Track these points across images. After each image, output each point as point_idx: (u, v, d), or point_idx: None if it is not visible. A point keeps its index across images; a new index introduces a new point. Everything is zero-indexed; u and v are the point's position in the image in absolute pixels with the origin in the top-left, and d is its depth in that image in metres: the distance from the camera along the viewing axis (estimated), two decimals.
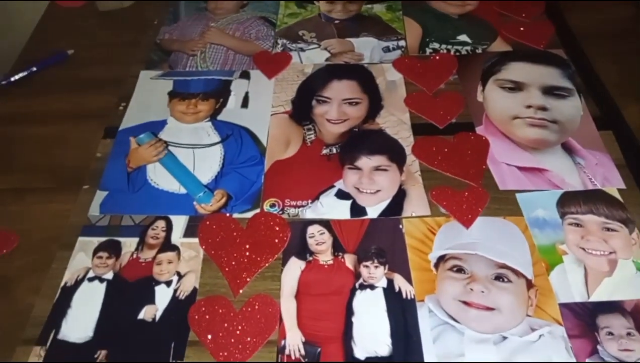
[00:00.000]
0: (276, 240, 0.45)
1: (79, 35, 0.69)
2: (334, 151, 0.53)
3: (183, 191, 0.50)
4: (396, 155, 0.52)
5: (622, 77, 0.58)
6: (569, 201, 0.47)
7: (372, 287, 0.42)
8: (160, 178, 0.51)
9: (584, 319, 0.39)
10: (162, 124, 0.56)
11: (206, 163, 0.52)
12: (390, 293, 0.42)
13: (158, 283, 0.43)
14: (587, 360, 0.37)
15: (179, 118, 0.57)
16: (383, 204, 0.48)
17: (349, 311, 0.41)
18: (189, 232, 0.46)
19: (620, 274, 0.42)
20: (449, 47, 0.64)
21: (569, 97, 0.56)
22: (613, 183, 0.48)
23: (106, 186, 0.50)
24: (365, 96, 0.58)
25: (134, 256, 0.45)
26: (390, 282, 0.43)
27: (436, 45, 0.64)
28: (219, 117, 0.56)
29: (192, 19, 0.70)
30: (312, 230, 0.46)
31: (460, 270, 0.43)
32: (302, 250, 0.45)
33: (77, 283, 0.43)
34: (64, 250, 0.45)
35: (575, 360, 0.37)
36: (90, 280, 0.43)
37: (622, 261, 0.43)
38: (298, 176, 0.51)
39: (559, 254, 0.43)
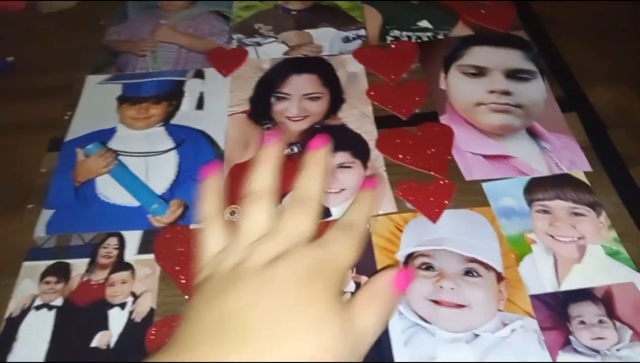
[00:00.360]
0: None
1: (20, 40, 0.65)
2: (296, 150, 0.51)
3: (136, 203, 0.47)
4: (360, 151, 0.50)
5: (585, 57, 0.57)
6: (535, 188, 0.46)
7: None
8: (110, 191, 0.48)
9: (556, 309, 0.39)
10: (112, 132, 0.53)
11: (160, 172, 0.49)
12: None
13: (111, 306, 0.40)
14: (559, 352, 0.36)
15: (129, 125, 0.54)
16: (348, 204, 0.46)
17: None
18: (143, 248, 0.44)
19: (589, 260, 0.41)
20: (410, 34, 0.62)
21: (532, 79, 0.55)
22: (579, 166, 0.47)
23: (52, 203, 0.47)
24: (326, 90, 0.56)
25: (85, 278, 0.42)
26: (358, 286, 0.41)
27: (397, 32, 0.62)
28: (173, 121, 0.54)
29: (141, 17, 0.67)
30: None
31: (429, 267, 0.41)
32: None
33: (24, 312, 0.40)
34: (8, 277, 0.42)
35: (548, 353, 0.36)
36: (38, 308, 0.40)
37: (591, 246, 0.42)
38: None
39: (527, 243, 0.42)
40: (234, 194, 0.47)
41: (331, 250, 0.28)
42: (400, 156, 0.49)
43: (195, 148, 0.51)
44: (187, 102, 0.55)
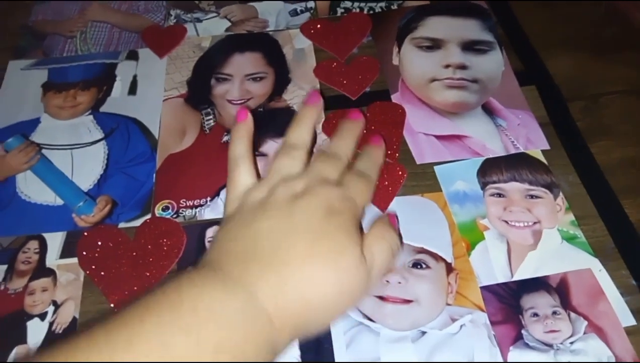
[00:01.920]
0: (167, 250, 0.39)
1: None
2: None
3: (60, 202, 0.43)
4: None
5: (545, 26, 0.54)
6: (490, 169, 0.43)
7: None
8: (32, 189, 0.44)
9: (508, 301, 0.36)
10: (35, 123, 0.48)
11: (87, 166, 0.45)
12: None
13: (30, 317, 0.37)
14: (510, 348, 0.34)
15: (55, 114, 0.49)
16: None
17: None
18: (66, 251, 0.40)
19: (545, 246, 0.39)
20: (362, 4, 0.57)
21: (489, 51, 0.51)
22: (537, 145, 0.44)
23: None
24: (271, 69, 0.52)
25: (2, 287, 0.38)
26: None
27: (348, 4, 0.58)
28: (102, 109, 0.49)
29: None
30: (212, 232, 0.41)
31: None
32: (200, 257, 0.39)
33: None
34: None
35: (498, 350, 0.34)
36: None
37: (547, 231, 0.39)
38: (195, 170, 0.45)
39: (480, 230, 0.40)
40: (167, 187, 0.44)
41: (350, 191, 0.32)
42: None
43: (126, 138, 0.47)
44: (119, 87, 0.51)
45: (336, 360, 0.34)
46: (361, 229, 0.32)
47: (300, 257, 0.28)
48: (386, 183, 0.42)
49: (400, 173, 0.43)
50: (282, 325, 0.26)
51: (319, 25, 0.55)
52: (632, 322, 0.35)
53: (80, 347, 0.22)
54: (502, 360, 0.34)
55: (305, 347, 0.35)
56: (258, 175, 0.35)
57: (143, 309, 0.24)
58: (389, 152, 0.44)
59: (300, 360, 0.35)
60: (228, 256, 0.28)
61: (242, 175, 0.34)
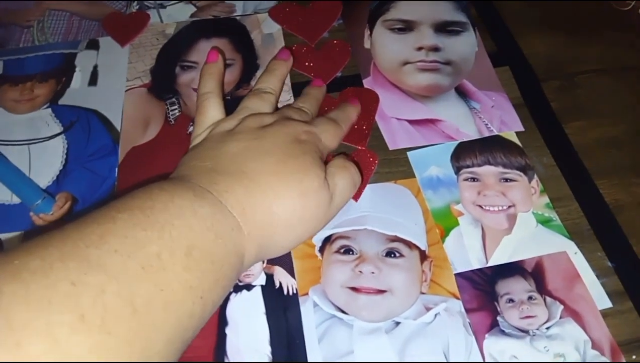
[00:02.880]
0: None
1: None
2: None
3: (17, 200, 0.41)
4: None
5: (519, 5, 0.52)
6: (464, 153, 0.42)
7: (248, 287, 0.36)
8: None
9: (483, 288, 0.35)
10: None
11: (45, 161, 0.43)
12: (270, 291, 0.36)
13: None
14: (486, 336, 0.33)
15: (11, 108, 0.46)
16: None
17: (222, 322, 0.35)
18: None
19: (520, 230, 0.38)
20: None
21: (463, 32, 0.50)
22: (511, 127, 0.43)
23: None
24: (239, 56, 0.50)
25: None
26: (269, 278, 0.37)
27: None
28: (61, 101, 0.47)
29: None
30: None
31: (348, 250, 0.37)
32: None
33: None
34: None
35: (473, 338, 0.33)
36: None
37: (522, 214, 0.39)
38: (160, 163, 0.43)
39: (454, 216, 0.39)
40: (130, 181, 0.42)
41: (317, 128, 0.34)
42: None
43: (87, 131, 0.45)
44: (79, 78, 0.48)
45: (308, 355, 0.33)
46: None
47: (267, 173, 0.29)
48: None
49: (371, 159, 0.41)
50: (249, 231, 0.28)
51: (288, 9, 0.53)
52: (608, 304, 0.34)
53: (54, 243, 0.22)
54: (477, 348, 0.33)
55: (275, 342, 0.34)
56: (226, 114, 0.36)
57: (114, 210, 0.24)
58: (360, 139, 0.42)
59: (271, 357, 0.33)
60: (197, 172, 0.29)
61: (211, 109, 0.35)
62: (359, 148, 0.42)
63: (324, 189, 0.31)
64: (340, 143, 0.42)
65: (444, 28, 0.50)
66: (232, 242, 0.27)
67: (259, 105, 0.36)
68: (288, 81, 0.47)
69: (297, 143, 0.31)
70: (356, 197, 0.39)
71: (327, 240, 0.38)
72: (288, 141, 0.31)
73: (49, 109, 0.46)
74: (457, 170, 0.41)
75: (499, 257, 0.37)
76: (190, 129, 0.45)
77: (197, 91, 0.37)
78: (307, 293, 0.36)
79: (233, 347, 0.34)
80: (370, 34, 0.51)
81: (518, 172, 0.40)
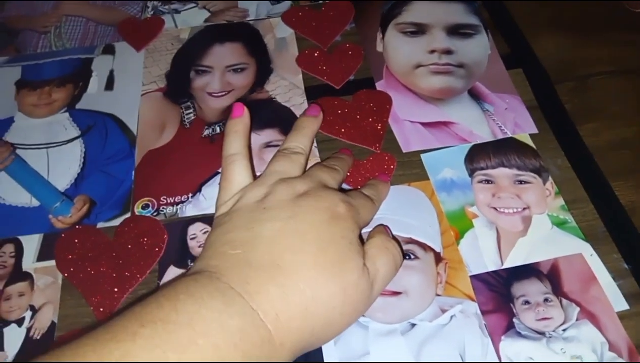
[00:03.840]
0: (148, 249, 0.38)
1: None
2: (218, 130, 0.46)
3: (36, 203, 0.41)
4: (288, 127, 0.44)
5: (531, 7, 0.52)
6: (478, 156, 0.42)
7: None
8: (6, 190, 0.42)
9: (498, 290, 0.35)
10: (9, 122, 0.47)
11: (63, 165, 0.43)
12: None
13: (7, 323, 0.36)
14: (502, 338, 0.33)
15: (29, 113, 0.47)
16: None
17: None
18: (44, 254, 0.38)
19: (535, 232, 0.38)
20: None
21: (475, 35, 0.50)
22: (525, 129, 0.43)
23: None
24: (252, 60, 0.50)
25: None
26: None
27: None
28: (78, 106, 0.47)
29: None
30: (194, 229, 0.40)
31: None
32: (182, 255, 0.38)
33: None
34: None
35: (489, 340, 0.33)
36: None
37: (537, 216, 0.39)
38: (175, 166, 0.43)
39: (468, 218, 0.39)
40: (146, 184, 0.43)
41: (354, 201, 0.31)
42: (334, 129, 0.44)
43: (104, 135, 0.45)
44: (95, 83, 0.49)
45: (325, 357, 0.33)
46: (361, 240, 0.31)
47: (304, 267, 0.26)
48: (377, 173, 0.41)
49: (389, 162, 0.41)
50: (283, 341, 0.25)
51: (300, 13, 0.54)
52: (624, 306, 0.34)
53: None
54: (493, 350, 0.33)
55: None
56: (254, 176, 0.34)
57: (136, 322, 0.22)
58: (375, 140, 0.43)
59: None
60: (227, 263, 0.26)
61: (237, 173, 0.32)
62: (374, 150, 0.42)
63: (363, 279, 0.28)
64: (355, 145, 0.42)
65: (456, 31, 0.50)
66: (263, 357, 0.24)
67: (288, 168, 0.32)
68: (301, 84, 0.48)
69: (335, 221, 0.28)
70: None
71: None
72: (326, 219, 0.28)
73: (67, 114, 0.47)
74: (471, 172, 0.41)
75: (514, 259, 0.37)
76: (206, 132, 0.45)
77: (222, 151, 0.34)
78: None
79: None
80: (383, 38, 0.51)
81: (532, 174, 0.41)
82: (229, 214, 0.30)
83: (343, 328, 0.29)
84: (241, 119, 0.35)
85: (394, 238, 0.34)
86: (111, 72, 0.50)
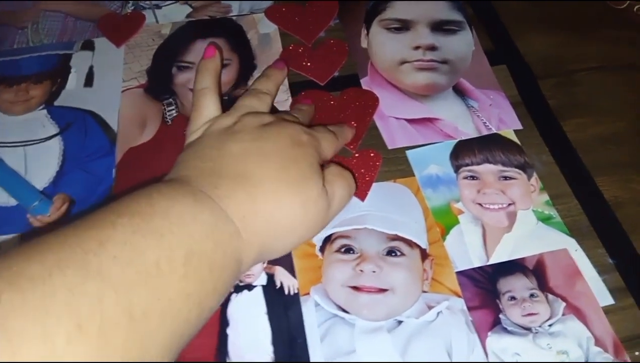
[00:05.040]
0: None
1: None
2: None
3: (13, 202, 0.40)
4: None
5: (516, 3, 0.52)
6: (463, 152, 0.42)
7: (249, 288, 0.36)
8: None
9: (484, 286, 0.35)
10: None
11: (41, 163, 0.42)
12: (271, 291, 0.36)
13: None
14: (489, 334, 0.33)
15: (6, 110, 0.46)
16: None
17: (223, 322, 0.35)
18: None
19: (520, 228, 0.38)
20: None
21: (459, 31, 0.50)
22: (509, 125, 0.43)
23: None
24: (235, 56, 0.50)
25: None
26: (270, 278, 0.36)
27: None
28: (57, 103, 0.46)
29: None
30: None
31: (348, 249, 0.37)
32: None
33: None
34: None
35: (476, 336, 0.33)
36: None
37: (522, 212, 0.39)
38: (157, 164, 0.42)
39: (454, 214, 0.39)
40: (127, 182, 0.42)
41: (319, 135, 0.34)
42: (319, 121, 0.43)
43: (83, 132, 0.44)
44: (74, 79, 0.48)
45: (310, 354, 0.33)
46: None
47: (269, 179, 0.29)
48: (362, 170, 0.40)
49: (375, 159, 0.41)
50: (249, 239, 0.28)
51: (284, 9, 0.53)
52: (610, 301, 0.34)
53: (52, 248, 0.22)
54: (480, 346, 0.33)
55: (277, 341, 0.34)
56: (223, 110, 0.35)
57: (114, 214, 0.24)
58: (352, 141, 0.42)
59: (273, 357, 0.33)
60: (197, 173, 0.29)
61: (207, 105, 0.35)
62: (350, 149, 0.42)
63: (322, 197, 0.31)
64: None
65: (440, 27, 0.50)
66: (231, 249, 0.26)
67: (256, 104, 0.35)
68: (286, 82, 0.47)
69: (297, 146, 0.31)
70: (362, 197, 0.39)
71: (328, 240, 0.38)
72: (289, 144, 0.31)
73: (45, 111, 0.46)
74: (457, 168, 0.41)
75: (499, 255, 0.37)
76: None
77: (194, 86, 0.36)
78: (308, 293, 0.35)
79: (235, 347, 0.33)
80: (367, 34, 0.51)
81: (517, 170, 0.41)
82: (199, 138, 0.32)
83: (302, 238, 0.32)
84: (213, 59, 0.37)
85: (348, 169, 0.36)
86: (91, 68, 0.49)
